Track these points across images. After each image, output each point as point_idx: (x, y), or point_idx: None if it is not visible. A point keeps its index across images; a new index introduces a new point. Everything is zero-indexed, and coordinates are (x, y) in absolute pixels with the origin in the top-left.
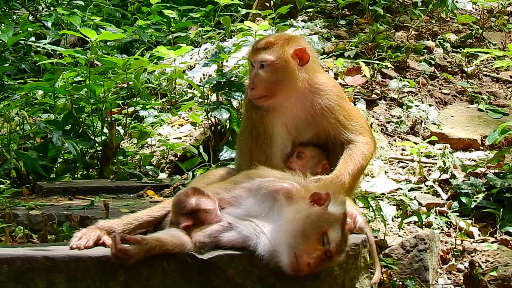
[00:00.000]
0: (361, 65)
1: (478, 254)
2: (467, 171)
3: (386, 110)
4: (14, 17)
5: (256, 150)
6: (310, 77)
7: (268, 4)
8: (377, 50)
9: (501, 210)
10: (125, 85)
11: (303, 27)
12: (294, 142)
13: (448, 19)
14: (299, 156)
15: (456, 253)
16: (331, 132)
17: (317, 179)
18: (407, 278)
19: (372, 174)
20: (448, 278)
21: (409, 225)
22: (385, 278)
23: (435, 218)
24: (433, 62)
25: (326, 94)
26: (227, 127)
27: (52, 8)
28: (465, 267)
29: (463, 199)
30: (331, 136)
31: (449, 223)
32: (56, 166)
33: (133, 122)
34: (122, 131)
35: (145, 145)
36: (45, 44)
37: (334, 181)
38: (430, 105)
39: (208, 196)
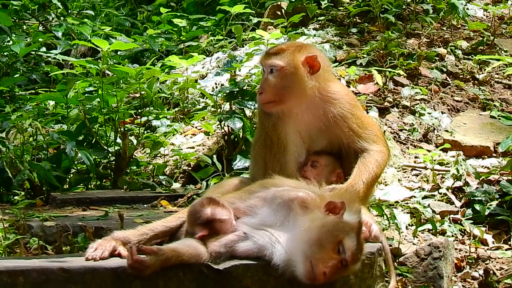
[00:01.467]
0: (373, 73)
1: (492, 262)
2: (481, 178)
3: (398, 117)
4: (25, 27)
5: (270, 159)
6: (322, 86)
7: (279, 13)
8: (389, 57)
9: None
10: (137, 95)
11: (314, 35)
12: (308, 151)
13: (459, 26)
14: (313, 165)
15: (470, 261)
16: (345, 140)
17: (332, 188)
18: (422, 286)
19: (385, 182)
20: (463, 286)
21: (423, 233)
22: (400, 287)
23: (449, 225)
24: (445, 70)
25: (339, 103)
26: (241, 136)
27: (62, 18)
28: (479, 274)
29: (477, 207)
30: (344, 144)
31: (463, 230)
32: (69, 176)
33: (146, 132)
34: (135, 141)
35: (158, 155)
36: (56, 54)
37: (349, 190)
38: (442, 113)
39: (223, 206)
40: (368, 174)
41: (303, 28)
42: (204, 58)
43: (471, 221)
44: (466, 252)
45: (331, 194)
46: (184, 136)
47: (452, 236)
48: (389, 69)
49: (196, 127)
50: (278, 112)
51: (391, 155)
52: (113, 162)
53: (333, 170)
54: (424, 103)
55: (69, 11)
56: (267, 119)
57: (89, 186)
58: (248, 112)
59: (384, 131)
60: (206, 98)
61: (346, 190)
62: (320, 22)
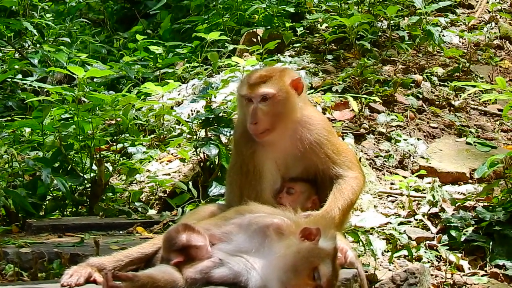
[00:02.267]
0: (349, 99)
1: None
2: (456, 205)
3: (374, 144)
4: (0, 54)
5: (245, 186)
6: (302, 108)
7: (255, 40)
8: (365, 84)
9: (491, 243)
10: (113, 122)
11: (290, 62)
12: (284, 178)
13: (435, 53)
14: (289, 191)
15: (446, 287)
16: (320, 167)
17: (308, 214)
18: None
19: (361, 208)
20: None
21: (399, 259)
22: None
23: (425, 251)
24: (420, 96)
25: (315, 129)
26: (216, 162)
27: (38, 45)
28: None
29: (453, 233)
30: (320, 171)
31: (439, 256)
32: (45, 203)
33: (121, 159)
34: (111, 168)
35: (134, 182)
36: (32, 81)
37: (324, 216)
38: (418, 139)
39: (198, 232)
40: (343, 200)
41: (278, 55)
42: (180, 85)
43: (447, 247)
44: (442, 278)
45: (307, 220)
46: (160, 162)
47: (428, 262)
48: (365, 96)
49: (172, 154)
50: (266, 141)
51: (366, 181)
52: (89, 189)
53: (308, 197)
54: (400, 129)
55: (45, 38)
56: (246, 147)
57: (65, 212)
58: (223, 139)
59: (360, 158)
60: (182, 124)
61: (321, 217)
62: (296, 48)
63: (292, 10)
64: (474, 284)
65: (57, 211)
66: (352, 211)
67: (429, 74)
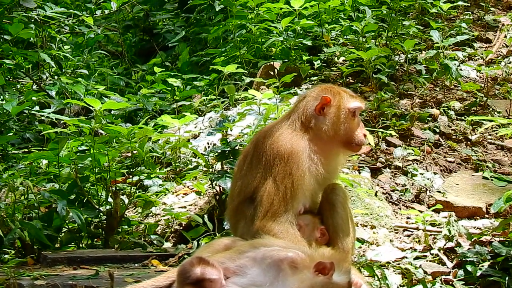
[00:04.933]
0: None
1: None
2: (473, 239)
3: (390, 178)
4: (18, 86)
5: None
6: None
7: (272, 73)
8: (382, 118)
9: (507, 278)
10: (129, 154)
11: None
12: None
13: (452, 87)
14: None
15: None
16: None
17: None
18: None
19: (377, 242)
20: None
21: None
22: None
23: (441, 286)
24: (437, 130)
25: None
26: None
27: (56, 77)
28: None
29: (469, 268)
30: None
31: None
32: (60, 235)
33: (137, 191)
34: (126, 200)
35: (149, 214)
36: (49, 113)
37: (338, 249)
38: (435, 173)
39: (213, 266)
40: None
41: (295, 88)
42: (197, 118)
43: (463, 282)
44: None
45: (321, 254)
46: (176, 195)
47: None
48: (382, 130)
49: (187, 187)
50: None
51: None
52: (105, 221)
53: (313, 228)
54: (417, 163)
55: (63, 70)
56: (306, 159)
57: (80, 245)
58: None
59: (376, 192)
60: (198, 157)
61: (335, 250)
62: (313, 82)
63: (309, 43)
64: None
65: (73, 243)
66: (367, 245)
67: (446, 108)
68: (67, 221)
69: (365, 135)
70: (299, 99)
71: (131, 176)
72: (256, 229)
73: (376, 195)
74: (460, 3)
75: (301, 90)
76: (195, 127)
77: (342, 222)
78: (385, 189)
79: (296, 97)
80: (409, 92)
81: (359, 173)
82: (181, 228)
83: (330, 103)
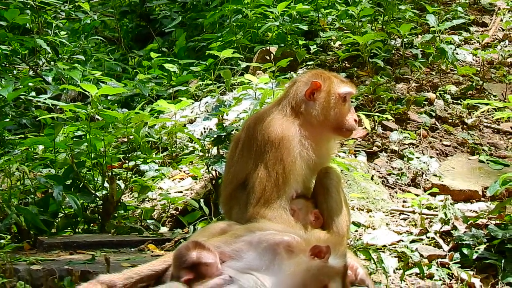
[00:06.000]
0: (361, 117)
1: None
2: (469, 223)
3: (387, 162)
4: (15, 72)
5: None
6: None
7: (268, 57)
8: (378, 102)
9: (503, 261)
10: (125, 139)
11: None
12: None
13: (449, 71)
14: None
15: None
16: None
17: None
18: None
19: (373, 226)
20: None
21: (410, 277)
22: None
23: (437, 269)
24: (433, 114)
25: None
26: None
27: (52, 62)
28: None
29: (465, 251)
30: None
31: (450, 274)
32: (57, 221)
33: (133, 176)
34: (123, 186)
35: (146, 199)
36: (46, 99)
37: (333, 233)
38: (431, 157)
39: (209, 250)
40: (344, 211)
41: (291, 72)
42: (193, 103)
43: (459, 265)
44: None
45: (316, 237)
46: (172, 180)
47: (440, 280)
48: (378, 114)
49: (184, 172)
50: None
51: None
52: (101, 206)
53: (307, 211)
54: (413, 147)
55: (60, 56)
56: (297, 145)
57: (77, 230)
58: None
59: (372, 176)
60: (194, 142)
61: (331, 233)
62: (309, 66)
63: (305, 28)
64: None
65: (69, 228)
66: (364, 229)
67: (442, 92)
68: (63, 206)
69: (356, 121)
70: (290, 84)
71: (127, 161)
72: (250, 215)
73: (372, 179)
74: None
75: (297, 75)
76: (191, 112)
77: (336, 206)
78: (381, 173)
79: None
80: (405, 76)
81: (355, 157)
82: (177, 212)
83: (320, 88)
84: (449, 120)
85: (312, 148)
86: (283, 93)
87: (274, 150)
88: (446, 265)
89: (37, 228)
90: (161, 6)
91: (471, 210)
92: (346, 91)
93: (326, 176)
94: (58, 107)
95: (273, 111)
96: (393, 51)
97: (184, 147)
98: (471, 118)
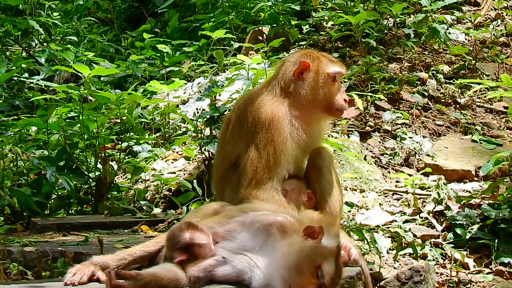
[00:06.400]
0: (354, 97)
1: (473, 285)
2: (462, 203)
3: (380, 142)
4: (8, 53)
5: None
6: None
7: (260, 38)
8: (370, 82)
9: (496, 241)
10: (118, 120)
11: None
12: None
13: (441, 50)
14: None
15: (451, 285)
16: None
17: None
18: None
19: (366, 206)
20: None
21: (404, 257)
22: None
23: (430, 249)
24: (426, 94)
25: None
26: None
27: (45, 44)
28: None
29: (458, 231)
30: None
31: (444, 254)
32: (50, 202)
33: (127, 157)
34: (116, 167)
35: (139, 180)
36: (39, 80)
37: (326, 214)
38: (423, 137)
39: (202, 231)
40: (337, 191)
41: (284, 53)
42: (186, 83)
43: (452, 245)
44: (447, 276)
45: (310, 218)
46: (165, 161)
47: (433, 260)
48: (370, 94)
49: (177, 152)
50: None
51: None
52: (94, 188)
53: (300, 192)
54: (406, 127)
55: (52, 37)
56: (288, 125)
57: (70, 211)
58: None
59: (365, 156)
60: (187, 123)
61: (324, 214)
62: (301, 46)
63: (297, 8)
64: (479, 282)
65: (62, 210)
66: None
67: (434, 72)
68: (56, 188)
69: (346, 100)
70: (279, 65)
71: (120, 142)
72: (242, 197)
73: (365, 159)
74: None
75: (289, 55)
76: (184, 93)
77: (329, 186)
78: (374, 153)
79: None
80: (397, 56)
81: (348, 137)
82: (171, 193)
83: (308, 68)
84: (442, 100)
85: (303, 128)
86: (273, 73)
87: (265, 131)
88: (440, 245)
89: (30, 209)
90: None
91: (464, 190)
92: (335, 71)
93: (318, 156)
94: (51, 88)
95: (263, 92)
96: (386, 31)
97: (177, 127)
98: (464, 97)
